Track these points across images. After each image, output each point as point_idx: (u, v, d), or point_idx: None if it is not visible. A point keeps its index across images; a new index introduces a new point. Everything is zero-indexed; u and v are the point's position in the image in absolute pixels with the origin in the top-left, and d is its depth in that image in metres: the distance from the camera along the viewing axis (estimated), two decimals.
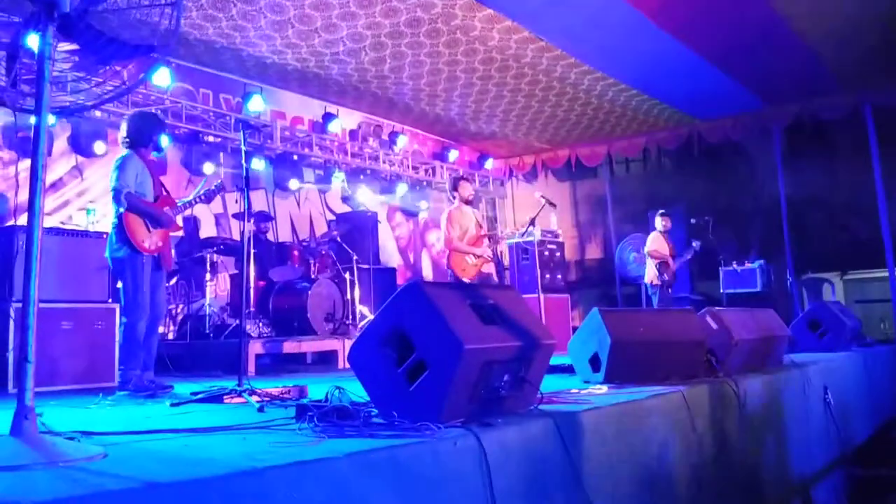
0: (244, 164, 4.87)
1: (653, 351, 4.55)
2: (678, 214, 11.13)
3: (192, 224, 9.01)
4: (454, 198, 7.59)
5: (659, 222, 9.98)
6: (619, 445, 3.36)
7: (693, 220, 10.55)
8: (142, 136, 5.11)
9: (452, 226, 7.41)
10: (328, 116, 10.62)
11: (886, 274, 10.20)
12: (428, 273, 12.67)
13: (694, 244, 9.92)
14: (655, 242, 9.89)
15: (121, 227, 4.94)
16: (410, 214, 12.44)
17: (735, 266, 11.01)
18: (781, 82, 9.82)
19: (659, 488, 3.61)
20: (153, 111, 5.43)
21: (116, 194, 4.92)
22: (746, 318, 5.52)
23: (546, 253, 10.74)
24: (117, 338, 5.56)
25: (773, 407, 5.14)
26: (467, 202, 7.56)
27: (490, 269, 7.47)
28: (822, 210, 12.08)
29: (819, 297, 11.22)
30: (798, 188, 11.60)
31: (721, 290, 11.01)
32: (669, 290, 9.76)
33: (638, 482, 3.45)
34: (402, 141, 11.55)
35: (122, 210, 4.91)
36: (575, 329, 5.16)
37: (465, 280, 7.26)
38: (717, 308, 5.39)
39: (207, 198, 5.59)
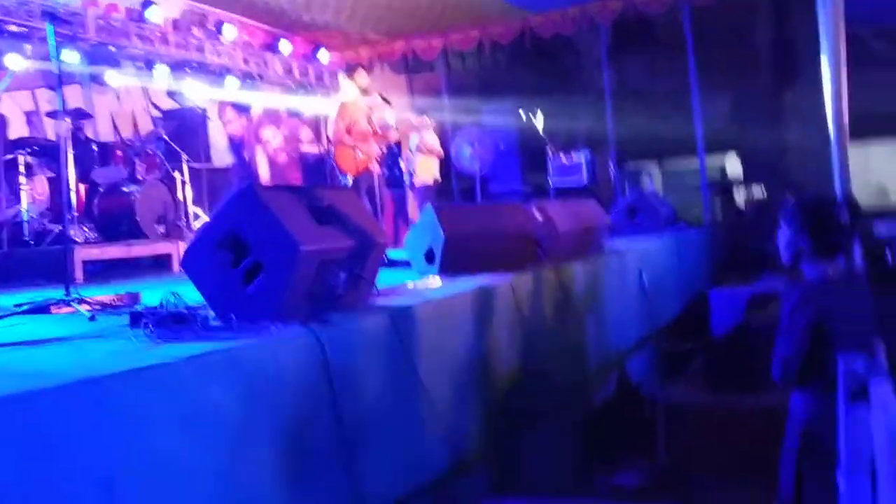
0: (55, 59, 4.50)
1: (484, 243, 4.78)
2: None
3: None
4: (348, 87, 7.08)
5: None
6: (452, 334, 3.58)
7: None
8: None
9: (343, 117, 6.91)
10: (146, 3, 9.83)
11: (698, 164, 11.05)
12: (264, 171, 12.34)
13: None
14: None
15: None
16: (243, 110, 11.95)
17: (562, 157, 11.49)
18: None
19: (489, 371, 3.89)
20: None
21: None
22: (569, 209, 5.88)
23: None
24: None
25: (594, 290, 5.59)
26: (364, 92, 6.98)
27: (377, 168, 6.98)
28: (644, 103, 12.76)
29: (639, 186, 12.02)
30: (621, 82, 12.15)
31: (549, 183, 11.51)
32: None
33: (470, 367, 3.70)
34: (229, 31, 10.94)
35: None
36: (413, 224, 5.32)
37: (350, 177, 6.87)
38: (543, 201, 5.71)
39: None
